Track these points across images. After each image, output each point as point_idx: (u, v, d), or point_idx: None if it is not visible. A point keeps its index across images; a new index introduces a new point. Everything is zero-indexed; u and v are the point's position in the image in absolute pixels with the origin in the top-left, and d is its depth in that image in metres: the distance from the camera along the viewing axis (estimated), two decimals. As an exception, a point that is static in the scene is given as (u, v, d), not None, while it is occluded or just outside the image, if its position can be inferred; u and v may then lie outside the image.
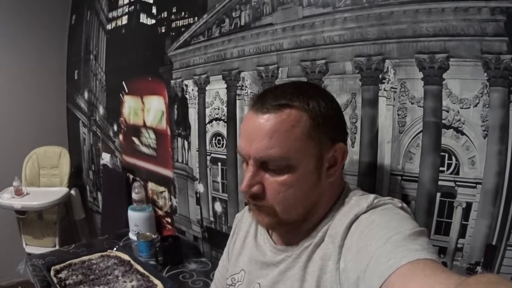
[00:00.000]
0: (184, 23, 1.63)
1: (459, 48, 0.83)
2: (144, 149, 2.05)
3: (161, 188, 1.95)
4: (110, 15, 2.32)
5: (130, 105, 2.16)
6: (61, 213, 2.76)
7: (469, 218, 0.86)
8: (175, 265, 1.55)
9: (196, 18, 1.55)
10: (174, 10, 1.70)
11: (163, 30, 1.78)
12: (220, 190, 1.55)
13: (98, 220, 2.71)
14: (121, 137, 2.30)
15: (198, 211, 1.69)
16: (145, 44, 1.98)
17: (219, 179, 1.55)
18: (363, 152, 1.03)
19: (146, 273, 1.42)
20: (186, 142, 1.70)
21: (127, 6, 2.13)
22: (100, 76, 2.50)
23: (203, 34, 1.52)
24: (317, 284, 0.72)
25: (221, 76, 1.46)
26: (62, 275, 1.41)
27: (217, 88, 1.49)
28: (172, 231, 1.89)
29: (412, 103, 0.92)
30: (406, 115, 0.93)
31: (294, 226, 0.78)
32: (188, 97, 1.66)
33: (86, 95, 2.76)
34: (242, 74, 1.37)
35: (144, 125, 2.03)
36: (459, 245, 0.88)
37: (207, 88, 1.54)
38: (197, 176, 1.67)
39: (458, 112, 0.85)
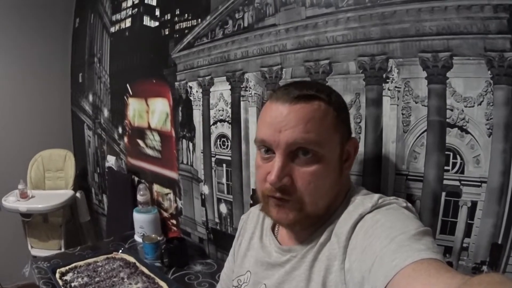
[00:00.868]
0: (188, 25, 1.63)
1: (462, 46, 0.83)
2: (149, 151, 2.06)
3: (166, 190, 1.95)
4: (113, 18, 2.33)
5: (134, 107, 2.17)
6: (66, 216, 2.77)
7: (475, 217, 0.86)
8: (181, 267, 1.55)
9: (199, 20, 1.56)
10: (177, 12, 1.70)
11: (167, 32, 1.79)
12: (225, 192, 1.55)
13: (104, 223, 2.72)
14: (126, 139, 2.31)
15: (203, 212, 1.69)
16: (149, 46, 1.98)
17: (224, 180, 1.55)
18: (368, 152, 1.03)
19: (152, 275, 1.42)
20: (190, 144, 1.71)
21: (131, 8, 2.13)
22: (105, 79, 2.51)
23: (206, 35, 1.53)
24: (323, 284, 0.72)
25: (225, 77, 1.46)
26: (68, 277, 1.42)
27: (221, 89, 1.49)
28: (178, 233, 1.89)
29: (416, 102, 0.92)
30: (410, 114, 0.93)
31: (311, 223, 0.78)
32: (192, 99, 1.66)
33: (90, 98, 2.77)
34: (246, 75, 1.37)
35: (149, 127, 2.03)
36: (464, 245, 0.88)
37: (211, 89, 1.55)
38: (202, 177, 1.67)
39: (463, 110, 0.85)
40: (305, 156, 0.72)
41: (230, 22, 1.40)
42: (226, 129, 1.50)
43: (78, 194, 2.80)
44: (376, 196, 0.75)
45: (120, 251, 1.65)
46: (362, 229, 0.69)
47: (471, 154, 0.86)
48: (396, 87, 0.95)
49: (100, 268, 1.49)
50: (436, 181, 0.91)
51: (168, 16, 1.78)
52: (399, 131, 0.96)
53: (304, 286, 0.75)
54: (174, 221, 1.93)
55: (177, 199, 1.87)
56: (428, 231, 0.63)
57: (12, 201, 2.51)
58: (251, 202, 1.42)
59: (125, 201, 2.14)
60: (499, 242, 0.82)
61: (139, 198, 1.86)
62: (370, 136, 1.02)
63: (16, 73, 2.89)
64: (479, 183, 0.85)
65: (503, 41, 0.78)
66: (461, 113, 0.85)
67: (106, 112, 2.53)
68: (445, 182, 0.90)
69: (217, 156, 1.57)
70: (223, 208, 1.58)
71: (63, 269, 1.46)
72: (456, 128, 0.87)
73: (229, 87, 1.45)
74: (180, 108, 1.75)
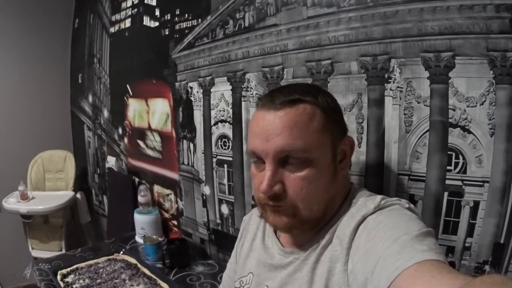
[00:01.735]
0: (188, 25, 1.63)
1: (464, 46, 0.83)
2: (150, 152, 2.06)
3: (167, 191, 1.95)
4: (113, 18, 2.33)
5: (134, 108, 2.16)
6: (67, 217, 2.77)
7: (477, 217, 0.86)
8: (182, 268, 1.55)
9: (199, 20, 1.55)
10: (177, 12, 1.70)
11: (167, 33, 1.78)
12: (227, 192, 1.55)
13: (104, 224, 2.72)
14: (126, 140, 2.30)
15: (205, 213, 1.69)
16: (148, 46, 1.98)
17: (225, 181, 1.55)
18: (370, 152, 1.03)
19: (153, 276, 1.42)
20: (191, 145, 1.70)
21: (130, 9, 2.13)
22: (104, 79, 2.50)
23: (207, 35, 1.52)
24: (326, 286, 0.72)
25: (226, 77, 1.46)
26: (69, 279, 1.42)
27: (222, 90, 1.49)
28: (179, 234, 1.89)
29: (418, 102, 0.92)
30: (413, 115, 0.93)
31: (310, 226, 0.78)
32: (193, 99, 1.66)
33: (90, 98, 2.76)
34: (247, 76, 1.37)
35: (149, 128, 2.03)
36: (467, 244, 0.88)
37: (212, 90, 1.54)
38: (203, 178, 1.66)
39: (465, 110, 0.85)
40: (295, 161, 0.72)
41: (231, 22, 1.40)
42: (227, 130, 1.50)
43: (78, 195, 2.79)
44: (379, 197, 0.75)
45: (121, 252, 1.65)
46: (364, 231, 0.69)
47: (473, 154, 0.86)
48: (398, 87, 0.95)
49: (101, 270, 1.49)
50: (438, 181, 0.91)
51: (168, 16, 1.78)
52: (401, 131, 0.96)
53: None
54: (175, 222, 1.93)
55: (178, 200, 1.87)
56: (430, 232, 0.63)
57: (12, 202, 2.51)
58: (253, 202, 1.42)
59: (125, 202, 2.14)
60: (502, 241, 0.83)
61: (140, 199, 1.86)
62: (372, 136, 1.02)
63: (16, 73, 2.89)
64: (482, 183, 0.85)
65: (505, 40, 0.78)
66: (464, 113, 0.85)
67: (106, 113, 2.53)
68: (447, 182, 0.90)
69: (218, 157, 1.57)
70: (225, 209, 1.58)
71: (64, 271, 1.46)
72: (459, 128, 0.87)
73: (230, 87, 1.45)
74: (180, 109, 1.75)
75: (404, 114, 0.95)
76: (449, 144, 0.89)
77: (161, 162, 1.98)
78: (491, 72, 0.80)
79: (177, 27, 1.71)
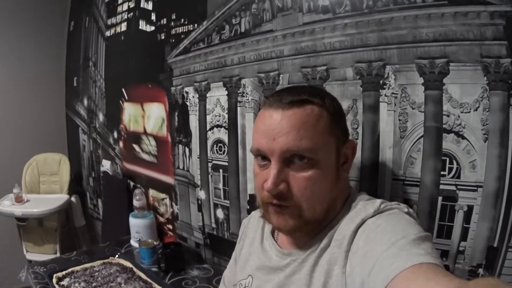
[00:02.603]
0: (184, 30, 1.63)
1: (458, 53, 0.84)
2: (145, 156, 2.05)
3: (162, 195, 1.95)
4: (109, 22, 2.32)
5: (130, 112, 2.16)
6: (61, 220, 2.75)
7: (471, 221, 0.87)
8: (178, 272, 1.54)
9: (196, 25, 1.55)
10: (173, 17, 1.70)
11: (163, 37, 1.79)
12: (222, 197, 1.55)
13: (99, 227, 2.71)
14: (121, 144, 2.30)
15: (200, 217, 1.69)
16: (144, 51, 1.98)
17: (220, 185, 1.55)
18: (365, 157, 1.03)
19: (149, 280, 1.41)
20: (187, 149, 1.70)
21: (126, 12, 2.13)
22: (100, 83, 2.50)
23: (203, 41, 1.52)
24: None
25: (221, 83, 1.46)
26: (65, 282, 1.41)
27: (218, 95, 1.49)
28: (174, 238, 1.88)
29: (413, 108, 0.93)
30: (407, 120, 0.94)
31: (311, 228, 0.78)
32: (188, 104, 1.66)
33: (85, 102, 2.76)
34: (243, 81, 1.37)
35: (145, 132, 2.02)
36: (461, 248, 0.89)
37: (207, 95, 1.55)
38: (199, 183, 1.66)
39: (459, 116, 0.86)
40: (300, 161, 0.73)
41: (227, 27, 1.40)
42: (223, 135, 1.50)
43: (73, 199, 2.78)
44: (378, 201, 0.75)
45: (117, 256, 1.64)
46: (363, 234, 0.70)
47: (467, 159, 0.86)
48: (393, 93, 0.96)
49: (97, 273, 1.48)
50: (432, 186, 0.92)
51: (164, 21, 1.78)
52: (396, 136, 0.96)
53: None
54: (170, 226, 1.92)
55: (173, 204, 1.86)
56: (428, 236, 0.64)
57: (7, 205, 2.49)
58: (248, 207, 1.42)
59: (120, 205, 2.13)
60: (495, 245, 0.84)
61: (135, 203, 1.85)
62: (367, 142, 1.02)
63: (10, 76, 2.87)
64: (475, 188, 0.86)
65: (499, 47, 0.79)
66: (458, 118, 0.86)
67: (101, 117, 2.52)
68: (441, 187, 0.90)
69: (213, 162, 1.57)
70: (220, 213, 1.57)
71: (59, 274, 1.45)
72: (453, 134, 0.87)
73: (226, 92, 1.45)
74: (176, 113, 1.75)
75: (399, 119, 0.95)
76: (443, 150, 0.89)
77: (157, 166, 1.97)
78: (485, 78, 0.81)
79: (173, 31, 1.71)
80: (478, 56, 0.81)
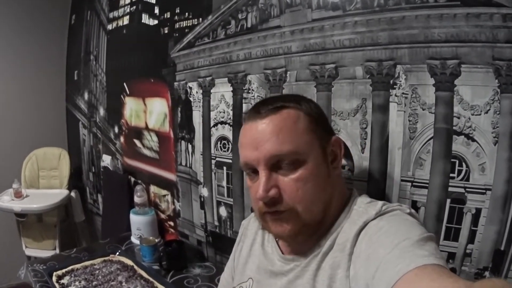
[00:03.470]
0: (188, 24, 1.61)
1: (470, 54, 0.83)
2: (146, 152, 2.04)
3: (164, 192, 1.94)
4: (111, 15, 2.30)
5: (131, 107, 2.14)
6: (61, 216, 2.73)
7: (478, 224, 0.87)
8: (179, 270, 1.53)
9: (200, 19, 1.53)
10: (177, 10, 1.68)
11: (166, 31, 1.76)
12: (225, 195, 1.54)
13: (99, 223, 2.70)
14: (122, 139, 2.28)
15: (202, 215, 1.68)
16: (147, 45, 1.96)
17: (224, 183, 1.54)
18: (373, 158, 1.02)
19: (150, 279, 1.41)
20: (190, 146, 1.69)
21: (129, 6, 2.10)
22: (101, 77, 2.48)
23: (207, 35, 1.51)
24: None
25: (226, 79, 1.44)
26: (65, 280, 1.40)
27: (223, 91, 1.48)
28: (175, 235, 1.88)
29: (423, 109, 0.92)
30: (417, 121, 0.93)
31: (312, 231, 0.78)
32: (192, 100, 1.64)
33: (86, 96, 2.74)
34: (248, 77, 1.36)
35: (146, 128, 2.01)
36: (468, 251, 0.89)
37: (212, 90, 1.53)
38: (201, 180, 1.65)
39: (469, 118, 0.85)
40: (287, 165, 0.74)
41: (233, 22, 1.39)
42: (227, 132, 1.49)
43: (72, 194, 2.77)
44: (380, 203, 0.75)
45: (118, 253, 1.64)
46: (366, 236, 0.70)
47: (476, 162, 0.86)
48: (403, 93, 0.95)
49: (97, 271, 1.47)
50: (441, 188, 0.91)
51: (167, 15, 1.76)
52: (406, 137, 0.96)
53: None
54: (171, 223, 1.91)
55: (175, 201, 1.85)
56: (431, 237, 0.64)
57: (6, 200, 2.47)
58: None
59: (121, 201, 2.12)
60: (502, 248, 0.83)
61: (136, 199, 1.84)
62: (376, 142, 1.01)
63: (9, 69, 2.84)
64: (484, 191, 0.85)
65: (511, 50, 0.78)
66: (468, 121, 0.86)
67: (102, 111, 2.50)
68: (450, 189, 0.90)
69: (217, 159, 1.56)
70: (223, 211, 1.57)
71: (59, 272, 1.45)
72: (463, 136, 0.87)
73: (231, 88, 1.44)
74: (179, 109, 1.73)
75: (409, 120, 0.95)
76: (453, 152, 0.89)
77: (158, 162, 1.96)
78: (496, 81, 0.80)
79: (176, 25, 1.69)
80: (490, 58, 0.80)
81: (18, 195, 2.50)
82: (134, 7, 2.05)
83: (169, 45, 1.74)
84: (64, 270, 1.46)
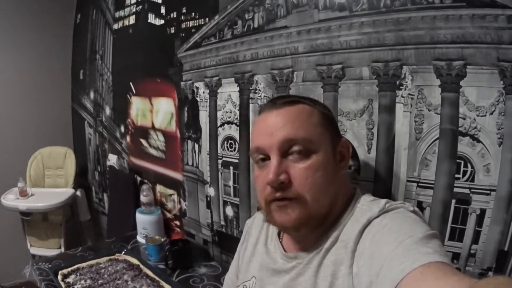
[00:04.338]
0: (195, 24, 1.62)
1: (476, 56, 0.83)
2: (153, 151, 2.05)
3: (170, 191, 1.94)
4: (116, 15, 2.31)
5: (138, 106, 2.15)
6: (66, 214, 2.74)
7: (483, 225, 0.87)
8: (185, 269, 1.54)
9: (207, 19, 1.54)
10: (184, 10, 1.68)
11: (173, 31, 1.77)
12: (232, 194, 1.55)
13: (104, 222, 2.70)
14: (128, 138, 2.29)
15: (209, 214, 1.69)
16: (153, 44, 1.97)
17: (230, 183, 1.54)
18: (380, 158, 1.03)
19: (156, 278, 1.41)
20: (196, 145, 1.70)
21: (135, 5, 2.11)
22: (107, 76, 2.49)
23: (214, 35, 1.51)
24: None
25: (233, 79, 1.45)
26: (70, 279, 1.40)
27: (229, 91, 1.48)
28: (181, 234, 1.88)
29: (429, 110, 0.92)
30: (423, 122, 0.93)
31: (316, 224, 0.78)
32: (199, 100, 1.65)
33: (92, 95, 2.75)
34: (255, 78, 1.36)
35: (153, 127, 2.02)
36: (472, 251, 0.89)
37: (218, 90, 1.53)
38: (208, 179, 1.66)
39: (475, 119, 0.86)
40: (298, 153, 0.75)
41: (240, 22, 1.39)
42: (234, 132, 1.49)
43: (78, 193, 2.78)
44: (383, 201, 0.76)
45: (123, 252, 1.64)
46: (369, 234, 0.70)
47: (481, 163, 0.86)
48: (409, 94, 0.95)
49: (103, 270, 1.47)
50: (446, 189, 0.91)
51: (174, 15, 1.76)
52: (412, 138, 0.96)
53: None
54: (177, 222, 1.92)
55: (181, 200, 1.86)
56: (435, 234, 0.64)
57: (11, 199, 2.48)
58: (258, 205, 1.42)
59: (127, 201, 2.13)
60: (506, 249, 0.84)
61: (142, 198, 1.85)
62: (382, 143, 1.02)
63: (15, 69, 2.86)
64: (489, 191, 0.86)
65: (516, 51, 0.78)
66: (473, 122, 0.86)
67: (108, 110, 2.52)
68: (455, 189, 0.90)
69: (224, 159, 1.56)
70: (229, 211, 1.57)
71: (65, 271, 1.44)
72: (468, 137, 0.87)
73: (238, 88, 1.44)
74: (186, 109, 1.74)
75: (415, 121, 0.95)
76: (458, 153, 0.89)
77: (165, 162, 1.97)
78: (501, 82, 0.81)
79: (183, 25, 1.69)
80: (495, 59, 0.81)
81: (23, 193, 2.51)
82: (140, 6, 2.05)
83: (176, 45, 1.74)
84: (69, 269, 1.46)
